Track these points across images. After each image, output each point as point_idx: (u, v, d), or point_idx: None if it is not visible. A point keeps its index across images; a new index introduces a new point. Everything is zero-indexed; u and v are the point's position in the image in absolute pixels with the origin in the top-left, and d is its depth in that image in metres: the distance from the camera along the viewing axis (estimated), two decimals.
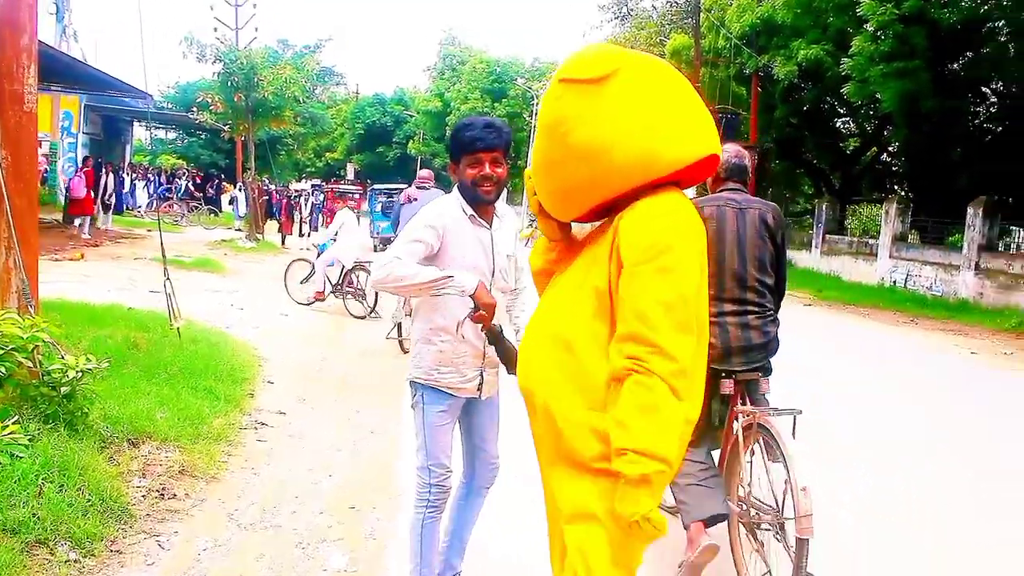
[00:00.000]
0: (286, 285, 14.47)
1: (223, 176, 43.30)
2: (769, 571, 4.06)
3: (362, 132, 74.75)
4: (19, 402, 5.32)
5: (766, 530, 4.20)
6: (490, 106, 67.03)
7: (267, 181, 37.85)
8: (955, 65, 24.58)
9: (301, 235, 33.03)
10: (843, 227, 30.60)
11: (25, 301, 5.74)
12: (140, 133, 54.57)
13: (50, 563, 4.05)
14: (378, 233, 28.44)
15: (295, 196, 37.96)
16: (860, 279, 25.06)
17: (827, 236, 28.40)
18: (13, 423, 4.94)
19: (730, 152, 4.48)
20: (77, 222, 21.07)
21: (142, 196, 35.04)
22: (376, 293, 13.05)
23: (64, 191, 27.27)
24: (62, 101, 34.07)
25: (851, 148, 34.23)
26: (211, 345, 8.95)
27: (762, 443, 4.16)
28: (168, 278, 8.83)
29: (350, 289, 13.96)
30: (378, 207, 28.82)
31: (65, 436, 5.16)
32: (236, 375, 8.04)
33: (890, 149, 32.81)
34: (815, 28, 25.50)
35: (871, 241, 26.41)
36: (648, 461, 2.33)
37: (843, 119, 33.45)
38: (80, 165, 24.01)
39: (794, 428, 4.11)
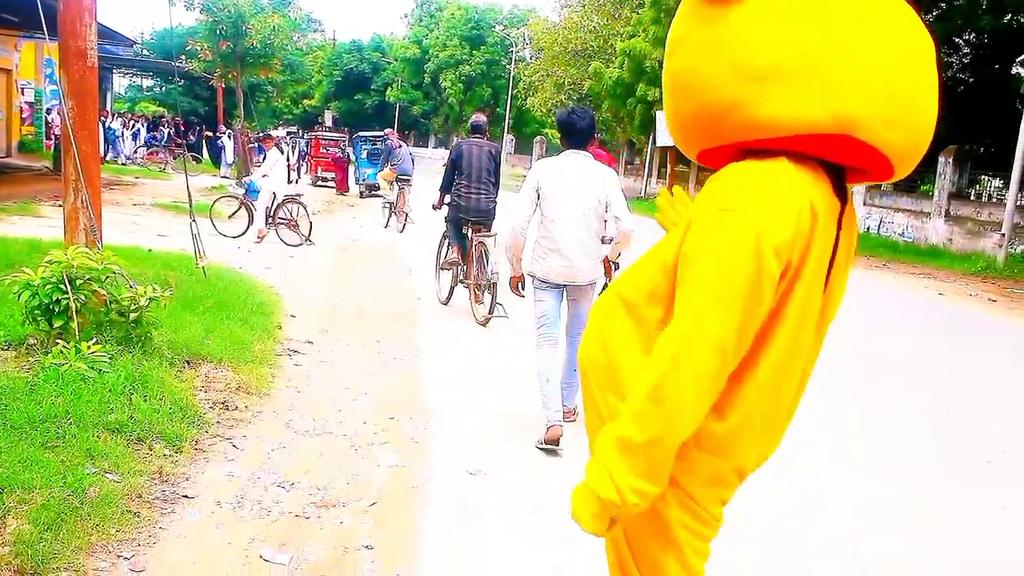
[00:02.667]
0: (212, 222, 15.16)
1: (204, 123, 43.46)
2: (486, 307, 9.43)
3: (340, 79, 74.67)
4: (95, 327, 5.98)
5: (483, 289, 9.58)
6: (468, 53, 67.25)
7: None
8: (928, 16, 25.20)
9: (289, 181, 33.36)
10: None
11: (93, 237, 6.37)
12: (117, 81, 54.57)
13: (150, 456, 4.75)
14: (364, 180, 28.85)
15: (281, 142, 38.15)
16: None
17: None
18: (94, 344, 5.62)
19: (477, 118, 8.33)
20: None
21: (129, 144, 35.20)
22: (310, 223, 15.00)
23: (55, 138, 27.55)
24: (44, 49, 34.07)
25: None
26: (234, 283, 9.61)
27: (483, 251, 9.54)
28: (194, 219, 9.42)
29: (283, 221, 15.15)
30: (364, 154, 29.18)
31: (139, 356, 5.85)
32: (263, 309, 8.70)
33: None
34: None
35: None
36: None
37: None
38: None
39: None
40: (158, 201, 19.27)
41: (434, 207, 10.75)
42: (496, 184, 9.91)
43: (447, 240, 10.43)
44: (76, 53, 6.27)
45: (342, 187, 29.25)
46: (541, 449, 5.65)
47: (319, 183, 30.82)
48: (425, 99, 73.06)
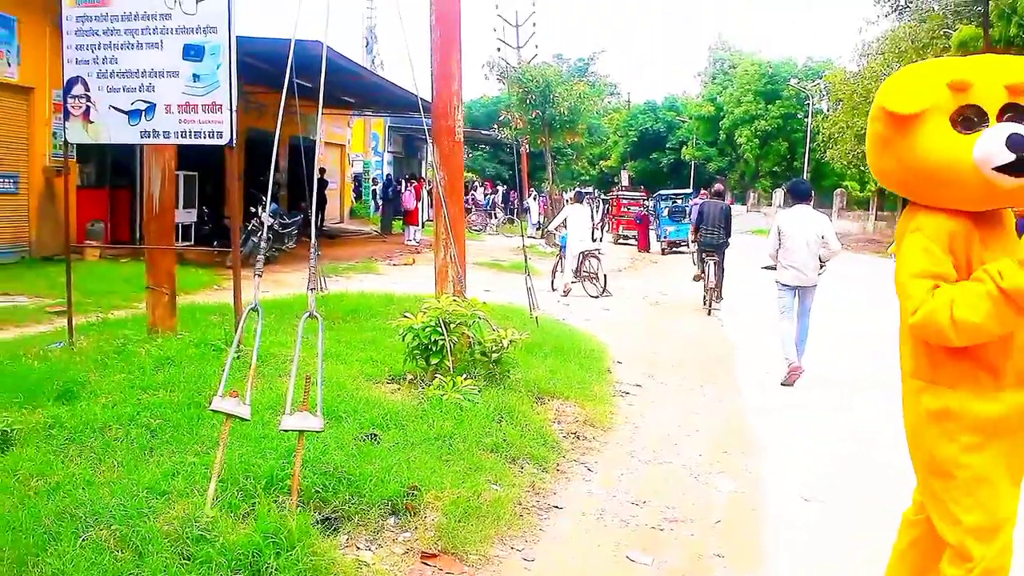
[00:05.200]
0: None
1: (510, 187, 46.05)
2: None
3: (635, 139, 76.10)
4: (464, 364, 6.93)
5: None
6: (763, 108, 66.70)
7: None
8: None
9: (592, 240, 34.75)
10: None
11: (460, 287, 7.38)
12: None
13: (522, 473, 5.54)
14: (666, 237, 29.53)
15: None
16: None
17: None
18: (465, 379, 6.54)
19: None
20: (412, 230, 23.63)
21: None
22: (605, 276, 16.17)
23: (381, 204, 30.32)
24: (372, 125, 37.65)
25: None
26: (563, 332, 10.48)
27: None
28: (529, 274, 10.40)
29: (586, 274, 16.20)
30: (665, 212, 29.89)
31: (501, 390, 6.73)
32: (593, 355, 9.47)
33: None
34: None
35: None
36: None
37: None
38: (406, 180, 26.66)
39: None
40: (478, 260, 20.86)
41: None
42: (727, 229, 14.51)
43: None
44: (447, 131, 7.36)
45: (643, 245, 30.00)
46: (784, 385, 8.95)
47: (620, 241, 31.86)
48: (720, 156, 73.08)
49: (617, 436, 6.86)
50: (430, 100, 7.70)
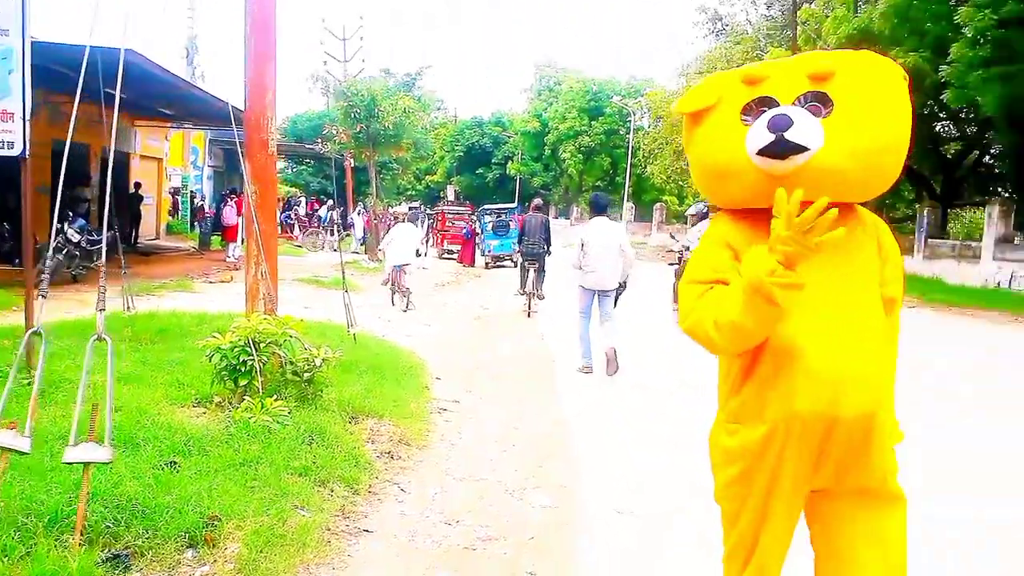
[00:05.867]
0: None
1: (335, 202, 45.45)
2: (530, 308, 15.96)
3: (462, 154, 76.65)
4: (274, 385, 6.71)
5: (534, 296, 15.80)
6: (587, 124, 68.35)
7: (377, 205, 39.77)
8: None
9: (417, 255, 34.66)
10: (945, 231, 30.89)
11: (271, 305, 7.15)
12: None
13: (332, 496, 5.38)
14: (490, 251, 29.73)
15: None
16: (963, 281, 25.42)
17: (929, 240, 28.73)
18: (275, 400, 6.33)
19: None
20: (232, 247, 22.91)
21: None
22: (410, 291, 16.40)
23: (202, 221, 29.36)
24: (192, 138, 36.45)
25: (951, 153, 34.36)
26: (382, 349, 10.34)
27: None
28: (347, 290, 10.22)
29: (396, 287, 16.52)
30: (489, 227, 30.09)
31: (313, 411, 6.55)
32: (412, 372, 9.38)
33: (992, 152, 32.93)
34: (912, 36, 25.66)
35: (974, 244, 26.75)
36: None
37: (943, 123, 33.48)
38: (226, 195, 25.82)
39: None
40: (299, 276, 20.41)
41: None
42: (547, 240, 16.28)
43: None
44: (260, 144, 7.14)
45: (468, 259, 30.06)
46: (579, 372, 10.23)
47: (446, 256, 31.91)
48: (545, 171, 74.42)
49: (433, 454, 6.77)
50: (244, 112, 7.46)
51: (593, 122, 68.55)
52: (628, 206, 61.25)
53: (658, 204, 57.51)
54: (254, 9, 7.29)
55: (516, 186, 73.80)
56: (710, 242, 2.85)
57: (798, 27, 33.09)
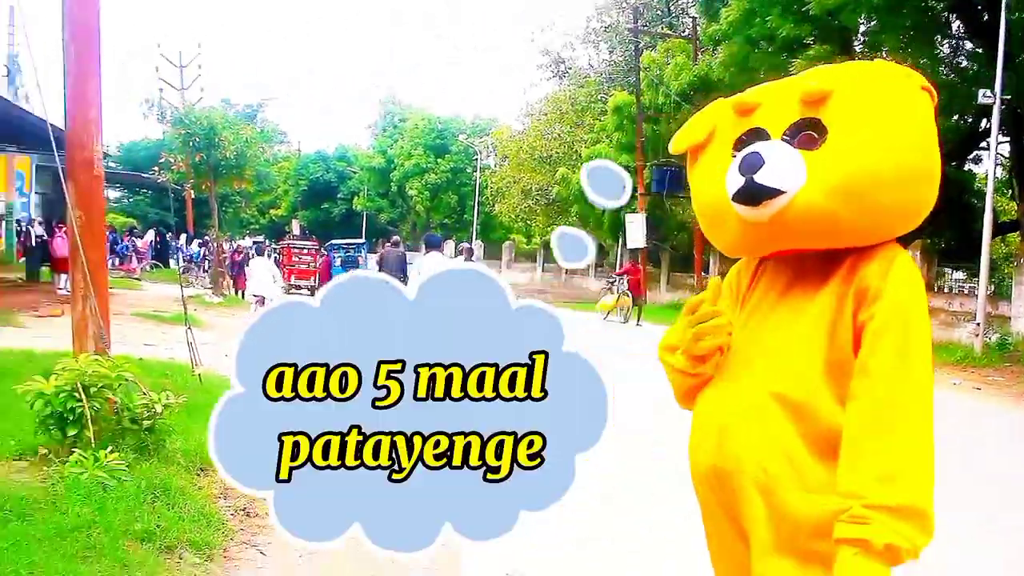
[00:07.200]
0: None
1: (175, 234, 43.70)
2: None
3: (306, 188, 75.21)
4: (110, 435, 5.89)
5: None
6: (433, 162, 68.10)
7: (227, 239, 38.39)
8: None
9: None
10: None
11: (102, 344, 6.31)
12: None
13: (181, 565, 4.63)
14: None
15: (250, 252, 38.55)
16: None
17: None
18: (111, 452, 5.53)
19: None
20: (62, 278, 21.40)
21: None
22: None
23: (31, 249, 27.51)
24: (16, 162, 34.20)
25: None
26: (230, 390, 9.50)
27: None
28: (190, 328, 9.38)
29: None
30: (338, 262, 29.47)
31: (156, 463, 5.76)
32: None
33: None
34: (750, 85, 26.43)
35: None
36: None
37: None
38: (55, 224, 24.30)
39: None
40: (138, 311, 19.13)
41: None
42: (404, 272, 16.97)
43: None
44: (83, 163, 6.32)
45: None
46: None
47: (293, 291, 30.93)
48: (392, 207, 73.64)
49: None
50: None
51: (439, 159, 68.31)
52: (477, 243, 61.14)
53: (507, 243, 57.48)
54: (73, 10, 6.45)
55: (363, 222, 72.81)
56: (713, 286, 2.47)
57: (640, 72, 33.62)
